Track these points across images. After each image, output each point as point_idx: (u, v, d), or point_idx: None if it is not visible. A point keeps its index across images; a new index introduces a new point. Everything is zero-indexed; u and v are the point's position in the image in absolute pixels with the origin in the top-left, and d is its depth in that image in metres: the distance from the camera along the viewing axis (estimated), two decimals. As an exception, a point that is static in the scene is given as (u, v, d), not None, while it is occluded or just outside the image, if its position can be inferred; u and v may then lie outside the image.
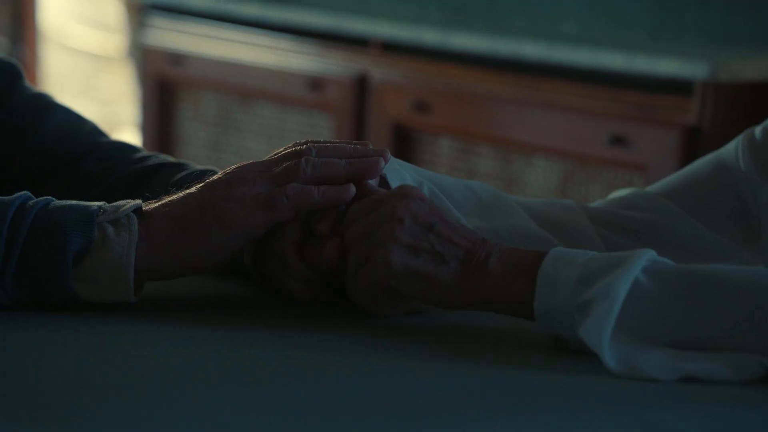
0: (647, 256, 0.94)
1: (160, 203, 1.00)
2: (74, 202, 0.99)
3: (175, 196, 1.00)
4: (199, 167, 1.19)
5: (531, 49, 2.41)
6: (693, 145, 2.21)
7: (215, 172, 1.05)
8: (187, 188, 1.01)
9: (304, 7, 2.88)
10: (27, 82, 1.26)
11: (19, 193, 0.98)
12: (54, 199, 0.99)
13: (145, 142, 3.24)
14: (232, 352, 0.93)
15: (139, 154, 1.22)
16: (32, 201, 0.98)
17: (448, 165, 2.57)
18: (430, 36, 2.57)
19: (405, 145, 2.63)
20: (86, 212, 0.97)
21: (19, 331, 0.95)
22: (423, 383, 0.89)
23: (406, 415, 0.82)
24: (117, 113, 4.42)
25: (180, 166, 1.19)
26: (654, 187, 1.19)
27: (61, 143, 1.21)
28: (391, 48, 2.64)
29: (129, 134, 4.16)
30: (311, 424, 0.79)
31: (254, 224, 0.99)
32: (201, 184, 1.01)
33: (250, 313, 1.03)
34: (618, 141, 2.29)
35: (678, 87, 2.23)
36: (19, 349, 0.92)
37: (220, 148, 3.00)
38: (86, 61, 4.73)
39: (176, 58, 3.10)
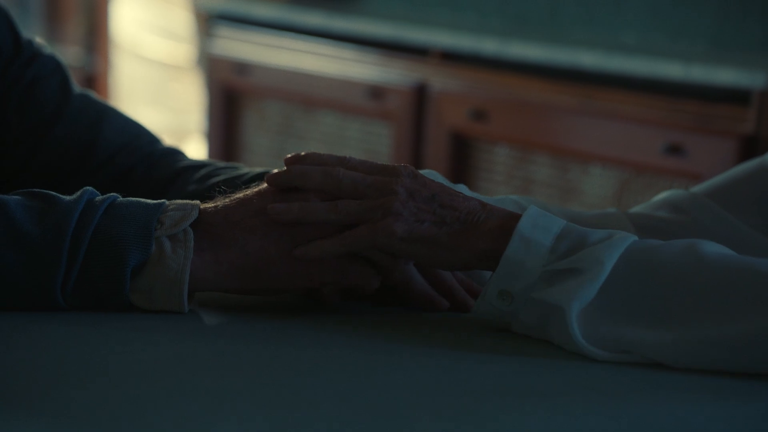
0: (632, 239, 0.96)
1: (227, 221, 1.00)
2: (137, 204, 0.99)
3: (246, 210, 1.01)
4: (257, 170, 1.20)
5: (588, 59, 2.42)
6: (749, 154, 2.20)
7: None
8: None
9: (366, 17, 2.91)
10: (73, 81, 1.28)
11: (82, 193, 0.99)
12: (118, 196, 1.00)
13: (210, 150, 3.29)
14: (228, 345, 0.95)
15: (185, 160, 1.25)
16: (97, 200, 0.99)
17: (505, 173, 2.58)
18: (488, 45, 2.59)
19: (462, 153, 2.65)
20: (145, 226, 0.98)
21: (14, 325, 0.96)
22: (421, 375, 0.90)
23: (402, 406, 0.83)
24: (187, 122, 4.47)
25: (231, 168, 1.22)
26: (700, 187, 1.20)
27: (119, 154, 1.24)
28: (450, 57, 2.67)
29: (197, 143, 4.21)
30: (306, 417, 0.80)
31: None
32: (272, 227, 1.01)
33: (248, 307, 1.04)
34: (674, 150, 2.29)
35: (735, 97, 2.23)
36: (12, 342, 0.93)
37: (283, 156, 3.03)
38: (158, 71, 4.79)
39: (241, 67, 3.14)
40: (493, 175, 2.59)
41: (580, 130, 2.45)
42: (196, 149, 3.66)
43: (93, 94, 1.29)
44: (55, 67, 1.26)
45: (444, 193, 1.00)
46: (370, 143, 2.83)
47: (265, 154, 3.11)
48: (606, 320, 0.95)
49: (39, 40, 1.28)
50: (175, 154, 1.27)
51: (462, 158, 2.64)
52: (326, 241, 1.00)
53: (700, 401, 0.87)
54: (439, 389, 0.87)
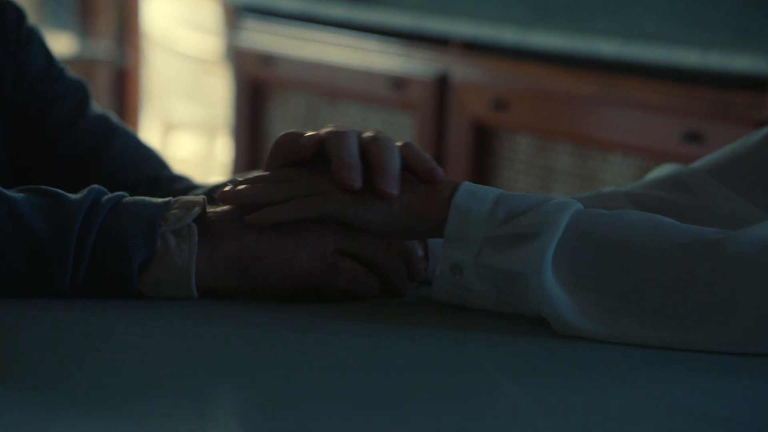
0: (578, 206, 0.97)
1: (227, 212, 1.02)
2: (142, 202, 1.01)
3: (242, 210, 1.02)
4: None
5: (607, 47, 2.43)
6: (768, 141, 2.20)
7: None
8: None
9: (388, 8, 2.93)
10: (94, 103, 1.30)
11: (89, 191, 1.01)
12: (125, 195, 1.02)
13: (236, 142, 3.32)
14: (231, 330, 0.96)
15: (191, 184, 1.26)
16: (104, 198, 1.00)
17: (526, 162, 2.59)
18: (509, 35, 2.60)
19: (484, 142, 2.66)
20: (150, 221, 0.99)
21: (17, 309, 0.97)
22: (418, 357, 0.91)
23: (399, 386, 0.84)
24: (220, 116, 4.50)
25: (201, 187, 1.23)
26: (700, 163, 1.18)
27: (123, 172, 1.26)
28: (471, 47, 2.68)
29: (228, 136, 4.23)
30: (307, 404, 0.81)
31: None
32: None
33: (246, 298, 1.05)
34: (693, 137, 2.30)
35: (753, 83, 2.23)
36: (14, 326, 0.95)
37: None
38: (190, 64, 4.80)
39: (267, 60, 3.17)
40: (514, 164, 2.60)
41: (600, 118, 2.46)
42: (226, 143, 3.68)
43: (113, 116, 1.31)
44: (78, 89, 1.30)
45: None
46: (393, 133, 2.84)
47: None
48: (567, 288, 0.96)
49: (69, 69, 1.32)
50: (183, 180, 1.29)
51: (483, 148, 2.65)
52: (280, 206, 1.01)
53: (696, 379, 0.88)
54: (434, 369, 0.88)
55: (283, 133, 1.05)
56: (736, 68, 2.25)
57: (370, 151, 1.02)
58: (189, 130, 4.82)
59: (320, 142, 1.03)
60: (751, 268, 0.92)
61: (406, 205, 1.01)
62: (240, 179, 1.05)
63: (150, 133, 4.80)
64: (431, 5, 3.01)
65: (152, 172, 1.27)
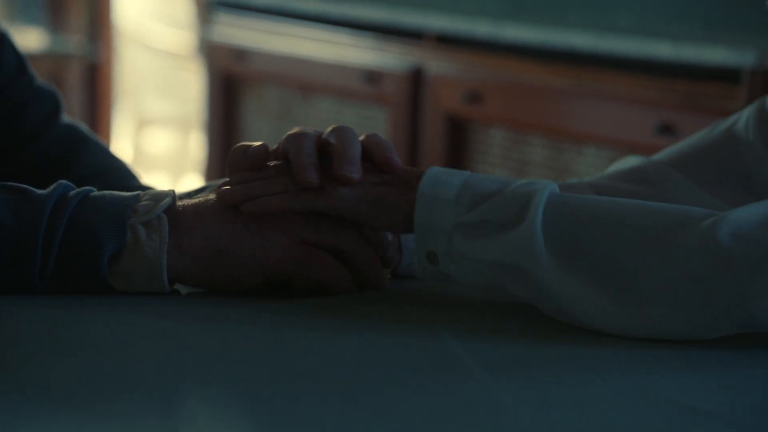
0: (552, 186, 0.97)
1: (194, 205, 1.03)
2: (110, 195, 1.01)
3: (209, 203, 1.03)
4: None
5: (581, 40, 2.43)
6: (741, 133, 2.21)
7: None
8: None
9: (361, 1, 2.92)
10: (65, 114, 1.30)
11: (56, 186, 1.01)
12: (93, 189, 1.01)
13: (210, 137, 3.31)
14: (210, 324, 0.96)
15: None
16: (71, 193, 1.00)
17: (500, 155, 2.60)
18: (483, 28, 2.60)
19: (458, 136, 2.66)
20: (119, 213, 0.99)
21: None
22: (411, 352, 0.91)
23: (392, 382, 0.84)
24: (194, 111, 4.48)
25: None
26: (663, 154, 1.18)
27: (91, 182, 1.25)
28: (445, 40, 2.68)
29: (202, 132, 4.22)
30: (287, 396, 0.81)
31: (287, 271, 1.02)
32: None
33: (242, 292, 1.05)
34: (666, 129, 2.30)
35: (726, 75, 2.23)
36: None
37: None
38: (163, 59, 4.79)
39: (240, 54, 3.16)
40: (489, 157, 2.60)
41: (574, 111, 2.46)
42: (200, 139, 3.67)
43: (83, 126, 1.31)
44: (50, 97, 1.30)
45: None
46: (367, 128, 2.84)
47: (264, 139, 3.10)
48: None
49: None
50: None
51: (458, 141, 2.65)
52: (273, 197, 1.02)
53: (681, 372, 0.88)
54: (428, 364, 0.88)
55: (234, 146, 1.08)
56: (708, 61, 2.25)
57: (330, 142, 1.03)
58: (162, 126, 4.80)
59: (266, 150, 1.05)
60: (724, 252, 0.91)
61: (375, 195, 1.01)
62: (212, 184, 1.06)
63: (123, 128, 4.78)
64: (404, -1, 3.01)
65: (121, 182, 1.27)
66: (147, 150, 4.65)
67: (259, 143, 1.07)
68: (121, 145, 4.65)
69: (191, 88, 4.46)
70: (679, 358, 0.90)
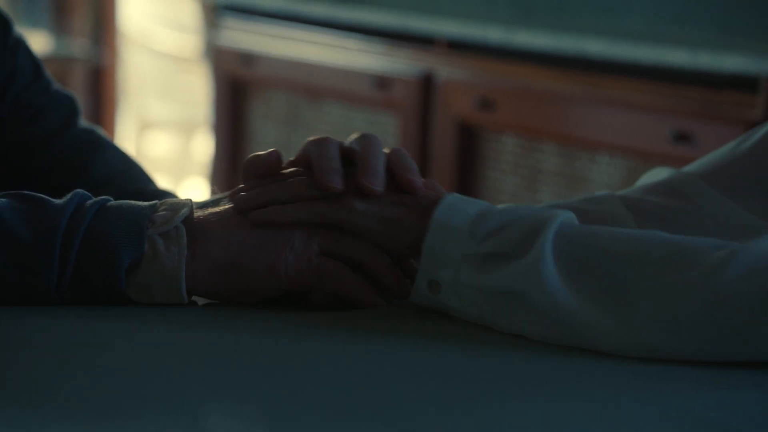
0: (566, 215, 0.96)
1: (211, 215, 1.02)
2: (128, 205, 1.00)
3: (227, 213, 1.02)
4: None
5: (594, 46, 2.41)
6: (758, 141, 2.19)
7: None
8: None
9: (371, 7, 2.90)
10: (82, 118, 1.30)
11: (73, 195, 1.00)
12: (110, 199, 1.00)
13: (217, 141, 3.29)
14: (225, 337, 0.95)
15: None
16: (88, 203, 0.99)
17: (512, 162, 2.57)
18: (495, 34, 2.58)
19: (469, 142, 2.64)
20: (137, 223, 0.98)
21: (9, 316, 0.97)
22: (417, 366, 0.90)
23: (400, 396, 0.83)
24: (198, 114, 4.48)
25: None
26: (693, 167, 1.17)
27: (107, 186, 1.25)
28: (456, 46, 2.66)
29: (206, 135, 4.21)
30: (305, 411, 0.80)
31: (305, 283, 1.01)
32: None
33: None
34: (682, 137, 2.28)
35: (743, 83, 2.21)
36: (6, 333, 0.94)
37: (289, 147, 3.03)
38: (167, 63, 4.79)
39: (247, 58, 3.14)
40: (500, 164, 2.58)
41: (587, 118, 2.44)
42: (205, 142, 3.65)
43: (99, 130, 1.32)
44: (66, 103, 1.30)
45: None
46: (377, 133, 2.82)
47: (271, 145, 3.10)
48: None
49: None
50: (168, 194, 1.28)
51: (469, 148, 2.63)
52: (286, 206, 1.01)
53: (705, 389, 0.87)
54: (434, 380, 0.87)
55: (248, 156, 1.07)
56: (725, 68, 2.23)
57: (354, 150, 1.02)
58: (165, 129, 4.80)
59: (280, 156, 1.04)
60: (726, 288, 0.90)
61: (392, 216, 1.00)
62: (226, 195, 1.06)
63: (126, 131, 4.77)
64: (415, 4, 2.99)
65: (137, 185, 1.27)
66: (150, 153, 4.65)
67: (271, 150, 1.06)
68: (124, 148, 4.63)
69: (194, 91, 4.46)
70: (710, 376, 0.89)
